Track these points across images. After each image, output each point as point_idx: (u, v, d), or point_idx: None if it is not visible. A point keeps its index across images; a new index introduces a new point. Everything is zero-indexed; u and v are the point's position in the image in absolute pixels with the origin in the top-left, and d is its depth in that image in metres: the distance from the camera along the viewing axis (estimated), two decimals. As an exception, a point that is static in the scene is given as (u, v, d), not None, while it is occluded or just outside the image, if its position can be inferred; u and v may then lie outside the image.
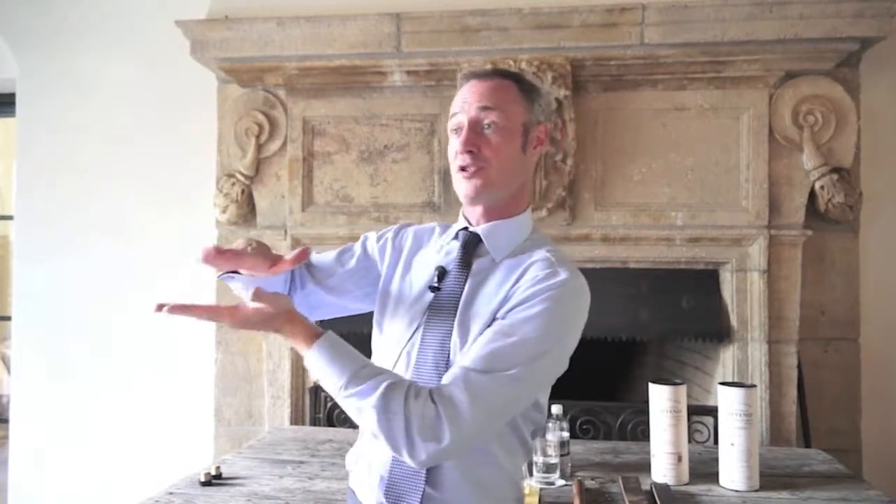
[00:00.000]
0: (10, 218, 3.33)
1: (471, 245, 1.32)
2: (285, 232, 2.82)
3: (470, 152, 1.25)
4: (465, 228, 1.34)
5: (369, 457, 1.30)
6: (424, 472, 1.20)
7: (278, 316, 1.16)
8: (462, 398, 1.11)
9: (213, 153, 2.95)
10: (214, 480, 1.92)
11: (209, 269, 1.22)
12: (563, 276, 1.21)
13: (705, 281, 2.68)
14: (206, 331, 2.94)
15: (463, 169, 1.27)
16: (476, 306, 1.25)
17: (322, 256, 1.46)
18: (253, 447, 2.29)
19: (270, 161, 2.87)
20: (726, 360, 2.66)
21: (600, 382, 3.13)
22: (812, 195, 2.60)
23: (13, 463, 3.20)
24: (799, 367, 2.61)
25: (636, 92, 2.66)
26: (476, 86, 1.29)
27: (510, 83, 1.31)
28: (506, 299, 1.22)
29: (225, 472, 1.98)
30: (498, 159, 1.26)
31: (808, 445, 2.57)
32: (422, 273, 1.35)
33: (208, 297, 2.95)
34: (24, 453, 3.18)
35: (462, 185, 1.29)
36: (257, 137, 2.84)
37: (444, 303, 1.27)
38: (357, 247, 1.47)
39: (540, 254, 1.27)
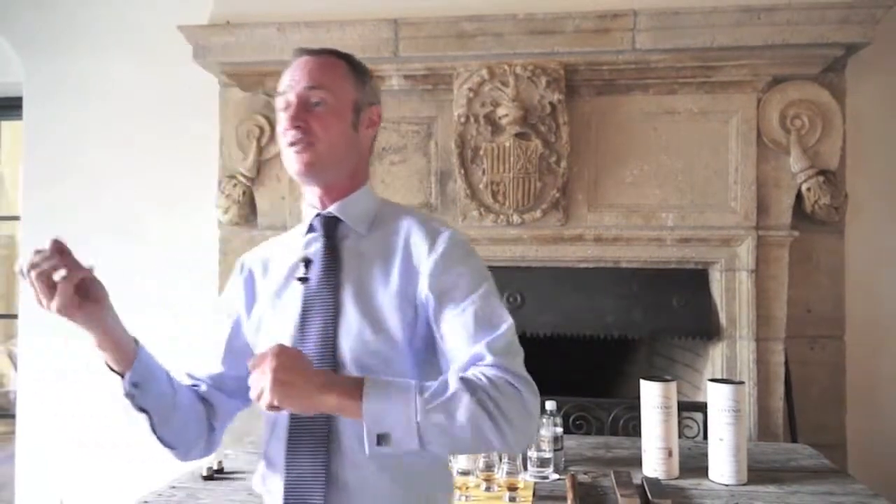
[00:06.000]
0: (18, 218, 3.37)
1: (331, 228, 1.28)
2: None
3: (298, 127, 1.21)
4: (318, 215, 1.29)
5: (278, 480, 1.20)
6: (323, 484, 1.14)
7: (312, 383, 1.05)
8: (512, 365, 1.10)
9: (216, 155, 2.99)
10: (216, 475, 1.95)
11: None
12: (442, 230, 1.24)
13: (695, 280, 2.72)
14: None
15: (292, 145, 1.22)
16: (371, 285, 1.21)
17: (201, 361, 1.37)
18: (254, 442, 2.31)
19: (271, 163, 2.90)
20: (715, 357, 2.70)
21: (593, 379, 3.17)
22: (799, 197, 2.65)
23: (20, 458, 3.24)
24: (786, 364, 2.65)
25: (628, 96, 2.70)
26: (306, 63, 1.25)
27: (339, 61, 1.28)
28: (407, 274, 1.21)
29: (227, 466, 2.01)
30: (327, 135, 1.22)
31: (794, 440, 2.61)
32: (278, 278, 1.30)
33: (210, 296, 3.00)
34: (31, 448, 3.23)
35: (292, 161, 1.23)
36: (258, 140, 2.88)
37: (317, 293, 1.22)
38: (220, 314, 1.39)
39: (409, 220, 1.28)
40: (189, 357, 1.38)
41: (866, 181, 2.74)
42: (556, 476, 1.99)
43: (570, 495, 1.79)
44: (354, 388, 1.05)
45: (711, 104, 2.66)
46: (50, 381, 3.19)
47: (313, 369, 1.08)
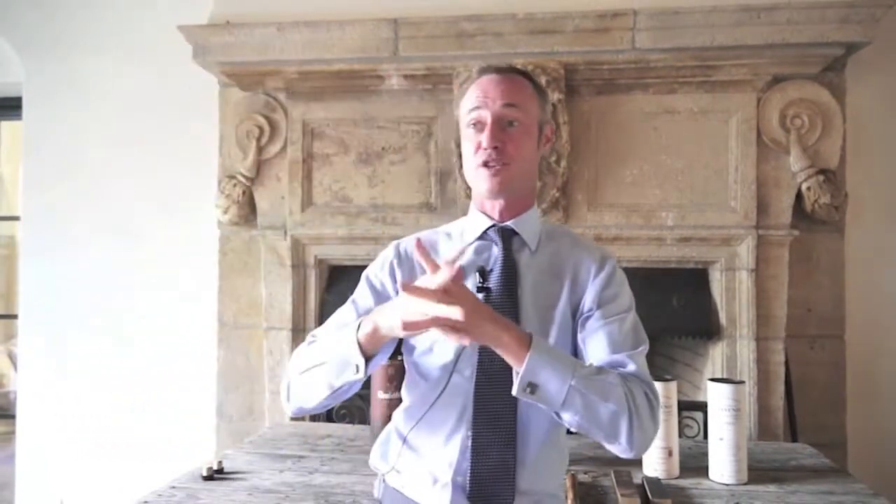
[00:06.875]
0: (18, 218, 3.37)
1: (507, 240, 1.34)
2: (285, 232, 2.86)
3: (496, 148, 1.27)
4: (494, 226, 1.36)
5: (430, 464, 1.30)
6: (513, 465, 1.26)
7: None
8: (650, 381, 1.27)
9: (215, 155, 3.00)
10: (216, 475, 1.93)
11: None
12: (609, 257, 1.38)
13: (695, 280, 2.72)
14: (208, 329, 3.01)
15: (486, 165, 1.28)
16: (545, 300, 1.31)
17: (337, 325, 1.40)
18: (254, 442, 2.30)
19: (271, 163, 2.92)
20: (715, 356, 2.70)
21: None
22: (799, 196, 2.64)
23: (20, 458, 3.25)
24: (786, 363, 2.65)
25: (628, 95, 2.70)
26: (497, 81, 1.30)
27: (527, 81, 1.33)
28: (573, 291, 1.32)
29: (226, 466, 1.99)
30: (519, 154, 1.29)
31: (794, 440, 2.60)
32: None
33: (209, 295, 3.01)
34: (31, 448, 3.23)
35: (485, 181, 1.30)
36: (258, 140, 2.89)
37: (498, 301, 1.27)
38: (364, 289, 1.41)
39: (572, 240, 1.39)
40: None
41: (866, 181, 2.73)
42: (556, 476, 1.98)
43: (570, 495, 1.77)
44: (525, 336, 1.15)
45: (711, 104, 2.66)
46: (50, 381, 3.20)
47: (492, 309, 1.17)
